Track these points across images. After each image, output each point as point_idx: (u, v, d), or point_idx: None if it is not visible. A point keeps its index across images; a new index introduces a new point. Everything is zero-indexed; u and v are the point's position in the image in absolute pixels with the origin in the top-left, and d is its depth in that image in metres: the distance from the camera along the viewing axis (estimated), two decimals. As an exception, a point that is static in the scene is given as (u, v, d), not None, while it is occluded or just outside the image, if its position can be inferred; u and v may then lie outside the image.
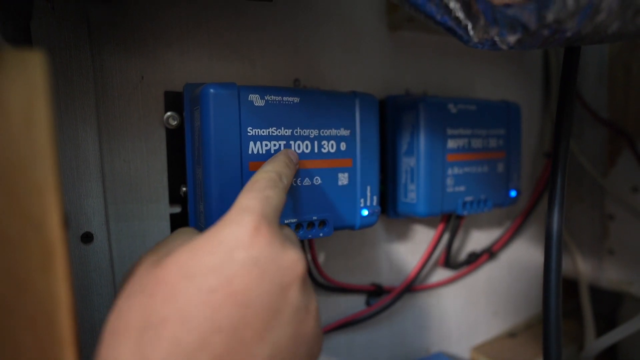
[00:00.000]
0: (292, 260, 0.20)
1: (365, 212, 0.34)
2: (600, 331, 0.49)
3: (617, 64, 0.51)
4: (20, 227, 0.15)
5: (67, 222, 0.28)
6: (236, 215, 0.20)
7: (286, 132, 0.31)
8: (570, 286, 0.57)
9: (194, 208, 0.32)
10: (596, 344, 0.45)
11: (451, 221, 0.44)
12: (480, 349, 0.53)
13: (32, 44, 0.28)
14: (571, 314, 0.58)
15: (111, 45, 0.31)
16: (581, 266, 0.56)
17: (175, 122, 0.33)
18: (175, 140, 0.33)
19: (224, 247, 0.19)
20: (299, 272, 0.20)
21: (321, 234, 0.32)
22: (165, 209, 0.33)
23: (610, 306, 0.57)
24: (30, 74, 0.15)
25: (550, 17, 0.20)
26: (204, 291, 0.18)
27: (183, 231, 0.24)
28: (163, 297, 0.18)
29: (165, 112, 0.32)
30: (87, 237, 0.30)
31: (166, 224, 0.33)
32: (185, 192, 0.33)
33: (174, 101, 0.33)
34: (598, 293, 0.55)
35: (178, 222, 0.34)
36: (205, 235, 0.20)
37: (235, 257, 0.19)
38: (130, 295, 0.19)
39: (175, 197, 0.33)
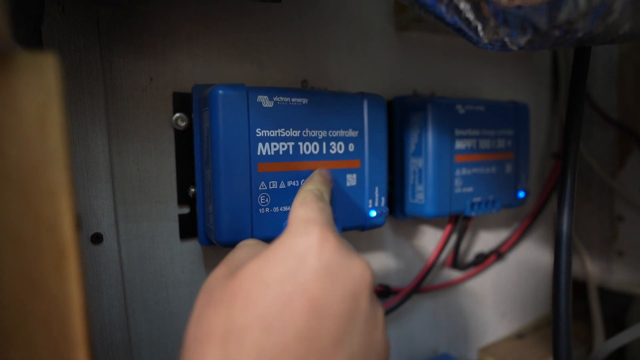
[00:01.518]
0: (361, 268, 0.21)
1: (373, 213, 0.34)
2: (609, 333, 0.49)
3: (627, 64, 0.50)
4: (34, 229, 0.15)
5: (80, 223, 0.29)
6: (301, 226, 0.21)
7: (295, 133, 0.31)
8: (579, 288, 0.56)
9: (203, 209, 0.32)
10: (605, 346, 0.44)
11: (459, 222, 0.44)
12: (487, 350, 0.52)
13: (43, 46, 0.28)
14: (580, 316, 0.58)
15: (120, 47, 0.31)
16: (590, 268, 0.55)
17: (184, 123, 0.33)
18: (184, 141, 0.33)
19: (295, 255, 0.19)
20: (367, 280, 0.21)
21: (329, 235, 0.32)
22: (174, 210, 0.33)
23: (619, 308, 0.57)
24: (44, 77, 0.15)
25: (561, 17, 0.20)
26: (281, 298, 0.18)
27: (247, 244, 0.24)
28: (242, 305, 0.18)
29: (174, 113, 0.33)
30: (97, 238, 0.30)
31: (175, 224, 0.34)
32: (193, 193, 0.33)
33: (182, 102, 0.33)
34: (607, 295, 0.55)
35: (186, 223, 0.34)
36: (275, 245, 0.20)
37: (308, 264, 0.19)
38: (208, 305, 0.19)
39: (183, 198, 0.34)
